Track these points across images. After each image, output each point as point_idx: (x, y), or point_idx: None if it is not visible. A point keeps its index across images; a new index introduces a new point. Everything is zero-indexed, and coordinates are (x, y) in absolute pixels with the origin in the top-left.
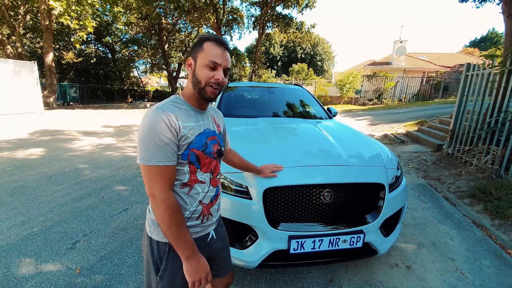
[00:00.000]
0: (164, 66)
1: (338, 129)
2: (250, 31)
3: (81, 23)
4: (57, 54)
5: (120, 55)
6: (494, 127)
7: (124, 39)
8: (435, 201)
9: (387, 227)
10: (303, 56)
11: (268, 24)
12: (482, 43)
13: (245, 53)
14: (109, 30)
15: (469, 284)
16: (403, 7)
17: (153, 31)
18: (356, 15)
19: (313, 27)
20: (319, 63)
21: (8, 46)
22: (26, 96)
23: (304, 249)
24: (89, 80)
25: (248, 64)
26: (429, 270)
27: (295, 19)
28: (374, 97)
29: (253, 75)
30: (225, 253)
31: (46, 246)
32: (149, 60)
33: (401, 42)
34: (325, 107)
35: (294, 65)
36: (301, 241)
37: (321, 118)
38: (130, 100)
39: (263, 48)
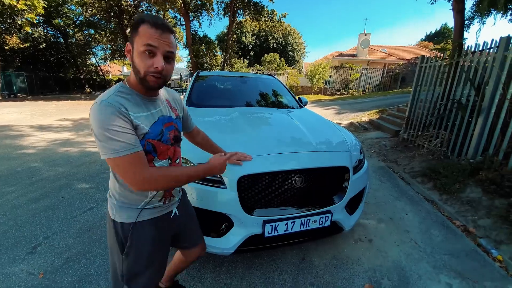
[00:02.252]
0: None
1: (308, 118)
2: (220, 18)
3: (28, 3)
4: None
5: (74, 39)
6: (443, 113)
7: (78, 22)
8: (392, 181)
9: (352, 206)
10: (275, 46)
11: (239, 11)
12: (436, 37)
13: (216, 41)
14: (60, 11)
15: (421, 251)
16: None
17: (112, 13)
18: (326, 5)
19: (284, 16)
20: (291, 53)
21: None
22: None
23: (277, 231)
24: (38, 68)
25: (219, 53)
26: (388, 242)
27: (266, 7)
28: (341, 88)
29: (225, 64)
30: (192, 225)
31: (1, 252)
32: (109, 46)
33: (365, 35)
34: (296, 97)
35: (266, 55)
36: (275, 225)
37: (293, 108)
38: (88, 90)
39: (234, 36)
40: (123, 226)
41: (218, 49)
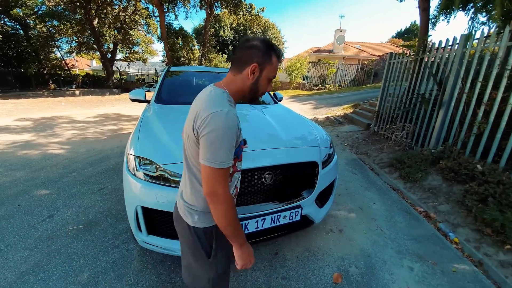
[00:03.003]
0: (95, 46)
1: (280, 114)
2: (197, 11)
3: None
4: None
5: (36, 31)
6: (408, 107)
7: (40, 12)
8: (363, 172)
9: (321, 199)
10: None
11: (216, 4)
12: (406, 34)
13: (193, 35)
14: (19, 0)
15: (386, 238)
16: None
17: (77, 3)
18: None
19: (262, 11)
20: None
21: None
22: None
23: (248, 229)
24: None
25: (197, 47)
26: (357, 230)
27: (244, 0)
28: (319, 83)
29: (203, 59)
30: None
31: None
32: (75, 38)
33: (341, 31)
34: (271, 93)
35: None
36: (245, 223)
37: (268, 104)
38: (52, 86)
39: (212, 30)
40: (207, 230)
41: (195, 43)
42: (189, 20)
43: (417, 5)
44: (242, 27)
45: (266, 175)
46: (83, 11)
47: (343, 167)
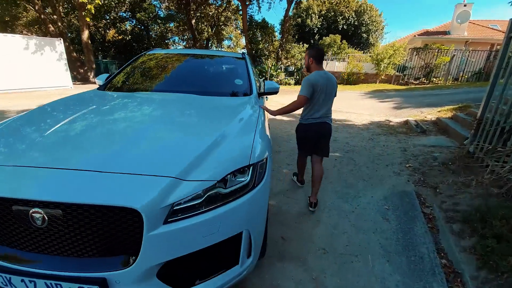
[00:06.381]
0: (192, 42)
1: (204, 111)
2: (280, 0)
3: None
4: (102, 32)
5: (155, 32)
6: None
7: (160, 15)
8: (407, 220)
9: (189, 276)
10: (344, 27)
11: None
12: None
13: (279, 26)
14: (142, 6)
15: None
16: None
17: (181, 5)
18: None
19: None
20: (364, 35)
21: (50, 25)
22: (51, 72)
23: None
24: (128, 57)
25: (278, 38)
26: None
27: None
28: (421, 75)
29: (279, 50)
30: None
31: None
32: (180, 36)
33: (464, 5)
34: (261, 83)
35: (325, 38)
36: (7, 277)
37: (243, 95)
38: None
39: (298, 19)
40: None
41: (276, 34)
42: (272, 11)
43: None
44: (332, 13)
45: (34, 214)
46: (184, 11)
47: (374, 203)
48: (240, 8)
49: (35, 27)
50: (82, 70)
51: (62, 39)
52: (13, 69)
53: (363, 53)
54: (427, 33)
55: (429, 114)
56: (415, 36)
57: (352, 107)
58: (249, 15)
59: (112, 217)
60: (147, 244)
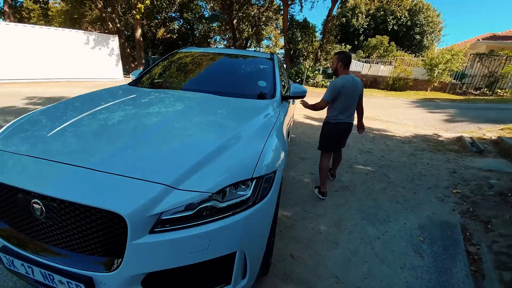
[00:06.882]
0: (231, 41)
1: (214, 117)
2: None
3: None
4: (154, 31)
5: (199, 31)
6: None
7: (206, 15)
8: (445, 258)
9: None
10: (395, 27)
11: None
12: None
13: (320, 26)
14: (190, 6)
15: None
16: None
17: (225, 6)
18: None
19: None
20: (418, 37)
21: (109, 23)
22: (105, 64)
23: (18, 269)
24: None
25: (319, 38)
26: None
27: None
28: (483, 85)
29: (319, 50)
30: None
31: None
32: (221, 36)
33: None
34: (285, 86)
35: (370, 39)
36: (11, 259)
37: (256, 98)
38: None
39: (343, 19)
40: None
41: (316, 34)
42: (314, 11)
43: None
44: (382, 13)
45: (34, 205)
46: (227, 11)
47: (407, 231)
48: (282, 7)
49: (97, 24)
50: (133, 65)
51: (117, 35)
52: (74, 60)
53: (414, 56)
54: (494, 37)
55: (489, 131)
56: (478, 40)
57: (394, 116)
58: (290, 15)
59: (100, 218)
60: (130, 252)
